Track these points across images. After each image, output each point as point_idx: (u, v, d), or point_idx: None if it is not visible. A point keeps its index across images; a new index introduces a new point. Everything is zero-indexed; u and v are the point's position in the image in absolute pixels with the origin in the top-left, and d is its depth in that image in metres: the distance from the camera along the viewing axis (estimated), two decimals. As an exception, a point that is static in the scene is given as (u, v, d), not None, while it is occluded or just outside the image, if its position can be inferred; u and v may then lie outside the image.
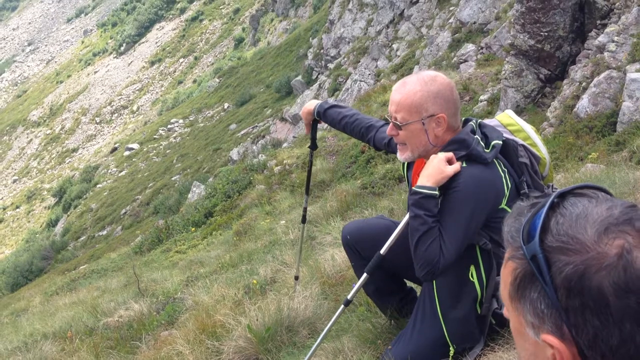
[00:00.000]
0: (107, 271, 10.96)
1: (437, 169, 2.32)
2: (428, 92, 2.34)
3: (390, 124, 2.43)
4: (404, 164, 2.72)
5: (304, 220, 4.08)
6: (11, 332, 7.47)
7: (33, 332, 6.60)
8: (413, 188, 2.40)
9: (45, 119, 68.74)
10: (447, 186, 2.33)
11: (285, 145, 19.88)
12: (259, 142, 25.24)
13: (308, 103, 3.31)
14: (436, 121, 2.36)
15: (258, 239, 7.40)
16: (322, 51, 30.84)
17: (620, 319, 0.75)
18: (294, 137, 20.89)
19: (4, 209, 53.44)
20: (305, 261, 4.81)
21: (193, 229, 10.75)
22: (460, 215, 2.30)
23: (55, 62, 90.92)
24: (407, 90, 2.37)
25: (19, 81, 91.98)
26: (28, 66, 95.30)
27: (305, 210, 4.09)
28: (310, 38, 35.08)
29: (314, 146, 3.60)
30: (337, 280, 4.32)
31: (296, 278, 4.23)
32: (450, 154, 2.34)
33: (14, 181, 60.17)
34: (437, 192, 2.32)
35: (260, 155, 13.74)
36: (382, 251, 2.65)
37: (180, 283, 6.64)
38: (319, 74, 30.09)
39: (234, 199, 10.94)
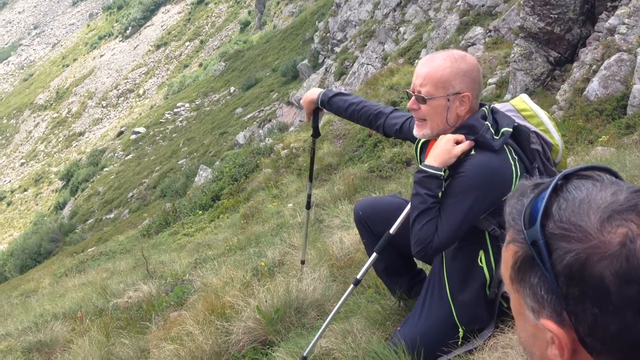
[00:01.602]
0: (115, 253, 11.04)
1: (444, 149, 2.32)
2: (457, 69, 2.32)
3: (413, 97, 2.41)
4: (416, 146, 2.71)
5: (308, 207, 4.09)
6: (21, 312, 7.56)
7: (43, 312, 6.67)
8: (419, 166, 2.40)
9: (51, 102, 68.84)
10: (455, 170, 2.33)
11: (291, 129, 19.87)
12: (265, 126, 25.21)
13: (309, 92, 3.27)
14: (460, 99, 2.34)
15: (265, 222, 7.42)
16: (328, 35, 30.66)
17: (621, 308, 0.74)
18: (300, 121, 20.85)
19: (12, 191, 53.76)
20: (314, 244, 4.82)
21: (200, 212, 10.79)
22: (462, 201, 2.29)
23: (61, 45, 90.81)
24: (435, 64, 2.35)
25: (25, 65, 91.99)
26: (34, 50, 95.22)
27: (309, 196, 4.09)
28: (317, 21, 34.87)
29: (316, 134, 3.57)
30: (345, 262, 4.34)
31: (302, 263, 4.24)
32: (460, 136, 2.33)
33: (22, 164, 60.45)
34: (442, 173, 2.31)
35: (266, 139, 13.73)
36: (391, 230, 2.66)
37: (188, 265, 6.69)
38: (325, 57, 29.93)
39: (241, 182, 10.97)
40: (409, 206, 2.57)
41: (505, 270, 0.87)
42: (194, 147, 29.77)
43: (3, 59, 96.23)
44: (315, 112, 3.30)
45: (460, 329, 2.51)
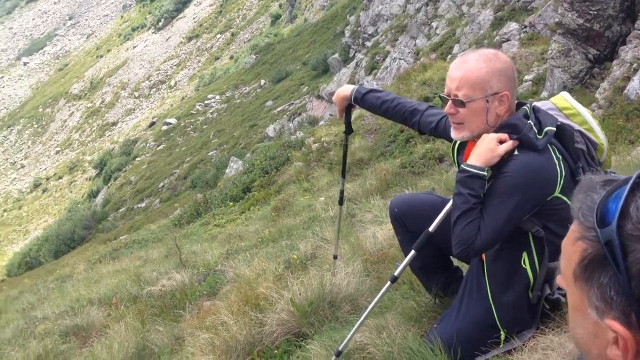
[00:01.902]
0: (147, 242, 11.22)
1: (487, 148, 2.29)
2: (493, 68, 2.30)
3: (449, 102, 2.39)
4: (453, 147, 2.69)
5: (341, 202, 4.10)
6: (58, 296, 7.74)
7: (79, 297, 6.82)
8: (461, 165, 2.38)
9: (86, 92, 70.04)
10: (498, 170, 2.31)
11: (321, 123, 19.88)
12: (295, 119, 25.28)
13: (341, 88, 3.27)
14: (499, 99, 2.32)
15: (297, 215, 7.46)
16: (359, 29, 30.53)
17: None
18: (330, 115, 20.86)
19: (47, 179, 54.95)
20: (347, 238, 4.84)
21: (231, 203, 10.89)
22: (505, 202, 2.26)
23: (96, 36, 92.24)
24: (470, 66, 2.32)
25: (61, 55, 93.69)
26: (69, 40, 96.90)
27: (342, 192, 4.10)
28: (348, 15, 34.74)
29: (349, 131, 3.56)
30: (378, 257, 4.35)
31: (335, 257, 4.26)
32: (503, 135, 2.31)
33: (57, 152, 61.73)
34: (485, 173, 2.28)
35: (297, 132, 13.78)
36: (430, 229, 2.65)
37: (220, 256, 6.77)
38: (356, 52, 29.83)
39: (272, 175, 11.03)
40: (449, 204, 2.57)
41: (568, 266, 0.85)
42: (224, 139, 30.02)
43: (39, 49, 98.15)
44: (347, 109, 3.31)
45: (501, 332, 2.49)
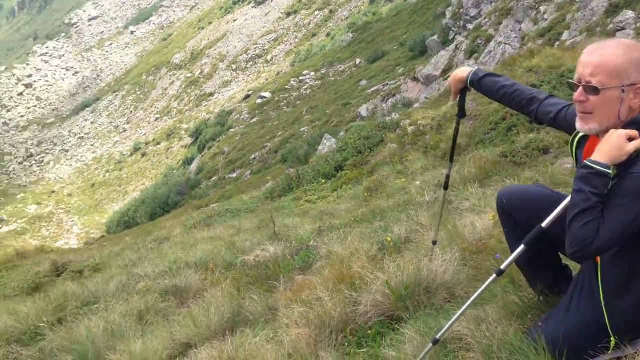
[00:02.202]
0: (240, 212, 11.57)
1: (615, 145, 2.16)
2: (632, 57, 2.17)
3: (580, 88, 2.27)
4: (573, 140, 2.56)
5: (446, 187, 4.04)
6: (156, 257, 8.16)
7: (176, 259, 7.15)
8: (584, 161, 2.26)
9: (186, 62, 72.63)
10: (625, 169, 2.17)
11: (416, 105, 19.59)
12: (389, 100, 25.04)
13: (458, 70, 3.20)
14: (635, 91, 2.19)
15: (390, 197, 7.43)
16: (461, 10, 29.63)
17: None
18: (426, 97, 20.50)
19: (147, 144, 57.75)
20: (444, 225, 4.76)
21: (323, 180, 11.00)
22: (631, 203, 2.12)
23: (198, 8, 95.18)
24: (607, 52, 2.20)
25: (165, 25, 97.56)
26: (174, 11, 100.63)
27: (448, 177, 4.05)
28: (451, -4, 33.80)
29: (462, 114, 3.48)
30: (477, 247, 4.26)
31: (434, 243, 4.21)
32: (633, 132, 2.18)
33: (156, 119, 64.68)
34: (610, 171, 2.16)
35: (393, 114, 13.67)
36: (544, 224, 2.55)
37: (312, 231, 6.87)
38: (456, 34, 29.01)
39: (365, 155, 11.02)
40: (566, 200, 2.46)
41: None
42: (317, 116, 30.27)
43: (145, 19, 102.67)
44: (462, 92, 3.24)
45: (612, 338, 2.38)
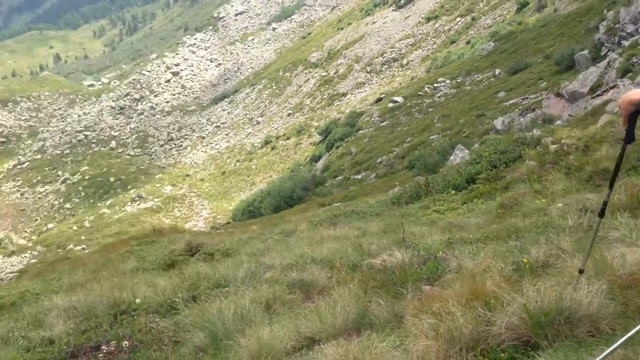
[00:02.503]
0: (365, 214, 11.62)
1: None
2: None
3: None
4: None
5: (601, 214, 3.79)
6: (283, 249, 8.41)
7: (303, 254, 7.31)
8: None
9: (322, 61, 74.23)
10: None
11: (557, 122, 18.57)
12: (528, 115, 23.93)
13: (630, 92, 2.98)
14: None
15: (526, 217, 7.10)
16: (617, 26, 27.63)
17: None
18: (569, 115, 19.37)
19: (277, 138, 59.80)
20: (590, 254, 4.47)
21: (453, 191, 10.75)
22: None
23: (339, 9, 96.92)
24: None
25: (305, 24, 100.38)
26: (315, 10, 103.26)
27: (605, 204, 3.78)
28: (606, 10, 31.60)
29: (629, 139, 3.22)
30: (627, 282, 3.94)
31: (580, 272, 3.97)
32: None
33: (289, 114, 66.76)
34: None
35: (534, 129, 13.06)
36: None
37: (441, 242, 6.73)
38: (609, 50, 27.10)
39: (500, 170, 10.63)
40: None
41: None
42: (448, 125, 29.67)
43: (288, 16, 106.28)
44: (633, 115, 3.02)
45: None
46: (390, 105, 40.48)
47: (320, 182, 33.81)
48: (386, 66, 61.49)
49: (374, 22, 74.75)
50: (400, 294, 4.97)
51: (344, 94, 61.87)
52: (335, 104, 60.54)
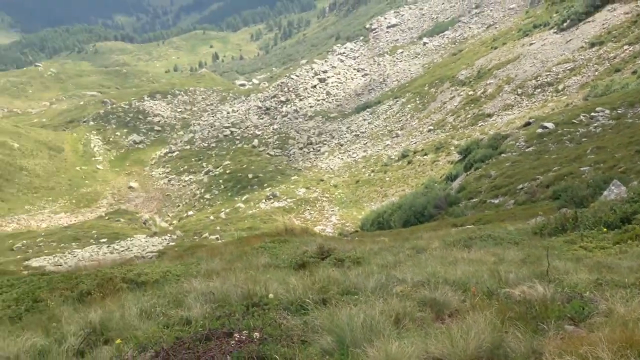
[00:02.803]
0: (503, 241, 11.10)
1: None
2: None
3: None
4: None
5: None
6: (414, 265, 8.24)
7: (435, 272, 7.10)
8: None
9: (470, 80, 72.47)
10: None
11: None
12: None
13: None
14: None
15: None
16: None
17: None
18: None
19: (415, 152, 59.28)
20: None
21: (605, 229, 9.94)
22: None
23: (495, 27, 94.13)
24: None
25: (458, 40, 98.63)
26: (469, 28, 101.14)
27: None
28: None
29: None
30: None
31: None
32: None
33: (429, 130, 65.91)
34: None
35: None
36: None
37: (588, 282, 6.23)
38: None
39: (663, 212, 9.66)
40: None
41: None
42: (602, 158, 27.59)
43: (440, 32, 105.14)
44: None
45: None
46: (539, 130, 38.45)
47: (454, 202, 32.93)
48: (539, 90, 58.55)
49: (531, 44, 71.60)
50: (540, 330, 4.66)
51: (489, 115, 59.83)
52: (479, 124, 58.73)
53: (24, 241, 49.35)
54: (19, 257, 42.69)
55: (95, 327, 5.65)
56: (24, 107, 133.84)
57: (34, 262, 38.17)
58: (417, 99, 78.66)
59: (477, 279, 6.64)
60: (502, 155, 38.28)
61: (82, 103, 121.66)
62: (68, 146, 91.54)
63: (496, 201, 30.12)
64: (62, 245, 46.66)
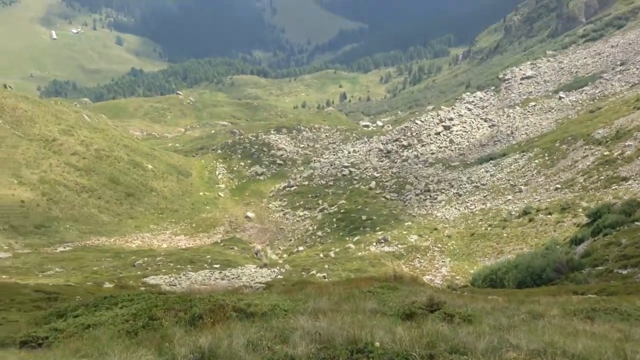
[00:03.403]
0: (630, 316, 10.19)
1: None
2: None
3: None
4: None
5: None
6: (529, 331, 7.75)
7: (553, 342, 6.63)
8: None
9: (607, 140, 68.39)
10: None
11: None
12: None
13: None
14: None
15: None
16: None
17: None
18: None
19: (538, 210, 56.44)
20: None
21: None
22: None
23: None
24: None
25: (597, 97, 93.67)
26: (612, 85, 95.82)
27: None
28: None
29: None
30: None
31: None
32: None
33: (556, 189, 62.66)
34: None
35: None
36: None
37: None
38: None
39: None
40: None
41: None
42: None
43: (579, 87, 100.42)
44: None
45: None
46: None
47: (577, 268, 30.84)
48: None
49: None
50: None
51: (624, 179, 55.81)
52: (613, 187, 54.91)
53: (145, 258, 52.41)
54: (139, 273, 45.43)
55: (204, 353, 5.82)
56: (161, 131, 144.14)
57: (151, 280, 40.43)
58: (546, 154, 75.26)
59: (599, 355, 6.12)
60: (636, 223, 35.53)
61: (213, 132, 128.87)
62: (195, 172, 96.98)
63: (624, 272, 27.86)
64: (179, 266, 49.05)
